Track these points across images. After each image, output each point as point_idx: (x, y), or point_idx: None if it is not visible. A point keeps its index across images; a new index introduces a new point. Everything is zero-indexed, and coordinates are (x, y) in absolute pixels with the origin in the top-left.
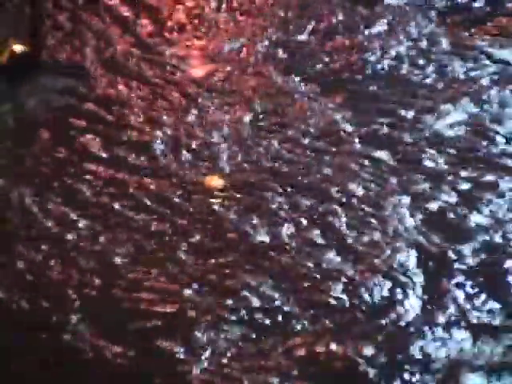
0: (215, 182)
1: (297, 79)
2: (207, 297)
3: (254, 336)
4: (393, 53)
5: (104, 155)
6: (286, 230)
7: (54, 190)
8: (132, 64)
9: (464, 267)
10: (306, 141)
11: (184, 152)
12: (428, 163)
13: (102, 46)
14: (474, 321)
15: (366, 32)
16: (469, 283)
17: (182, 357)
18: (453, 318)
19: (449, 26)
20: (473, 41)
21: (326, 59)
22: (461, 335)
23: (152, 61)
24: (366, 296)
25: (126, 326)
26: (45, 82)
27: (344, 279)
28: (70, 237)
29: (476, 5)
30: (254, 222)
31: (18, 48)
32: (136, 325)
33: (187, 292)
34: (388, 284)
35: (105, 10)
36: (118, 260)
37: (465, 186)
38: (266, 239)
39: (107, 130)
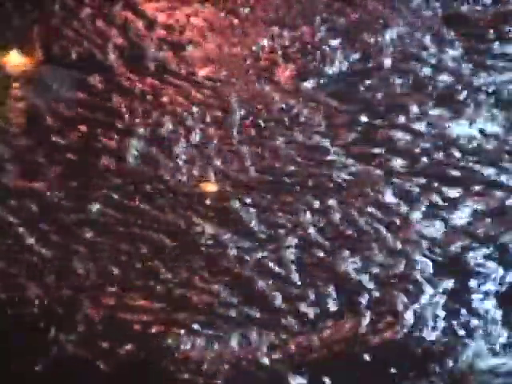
0: (210, 187)
1: (303, 81)
2: (180, 311)
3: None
4: (404, 57)
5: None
6: (282, 235)
7: (63, 186)
8: (148, 61)
9: (477, 278)
10: (312, 143)
11: (184, 153)
12: (440, 169)
13: (120, 42)
14: (482, 333)
15: (378, 35)
16: (480, 293)
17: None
18: (461, 329)
19: (460, 29)
20: (485, 45)
21: (333, 61)
22: (467, 347)
23: (164, 59)
24: (371, 305)
25: (125, 327)
26: (59, 76)
27: (351, 287)
28: (69, 236)
29: (489, 8)
30: (235, 236)
31: (17, 53)
32: (134, 326)
33: (161, 304)
34: (397, 293)
35: (125, 6)
36: (112, 264)
37: (479, 191)
38: (253, 251)
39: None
